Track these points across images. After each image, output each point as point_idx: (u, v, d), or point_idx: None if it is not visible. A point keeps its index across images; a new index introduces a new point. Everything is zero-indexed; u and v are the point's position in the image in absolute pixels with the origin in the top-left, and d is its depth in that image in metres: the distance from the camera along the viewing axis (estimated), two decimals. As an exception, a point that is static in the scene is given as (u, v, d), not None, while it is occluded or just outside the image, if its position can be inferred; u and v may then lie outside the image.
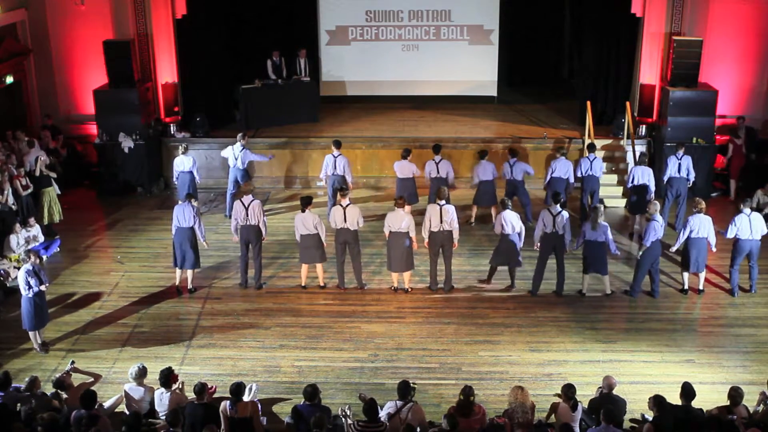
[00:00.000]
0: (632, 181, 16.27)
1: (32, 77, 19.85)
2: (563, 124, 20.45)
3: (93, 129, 19.29)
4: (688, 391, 9.78)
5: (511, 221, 13.78)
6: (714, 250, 13.94)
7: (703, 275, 14.12)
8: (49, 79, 19.88)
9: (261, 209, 14.09)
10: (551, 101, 22.58)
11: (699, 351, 12.37)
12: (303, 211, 13.84)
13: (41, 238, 15.48)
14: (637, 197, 16.17)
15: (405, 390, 9.79)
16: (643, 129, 19.13)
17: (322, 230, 13.96)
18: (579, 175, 16.63)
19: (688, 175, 16.40)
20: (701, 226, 13.66)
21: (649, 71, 19.10)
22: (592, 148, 16.80)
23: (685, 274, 14.11)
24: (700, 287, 14.14)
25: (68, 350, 12.39)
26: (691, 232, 13.69)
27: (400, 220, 13.75)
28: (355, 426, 9.47)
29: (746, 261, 14.00)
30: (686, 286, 14.16)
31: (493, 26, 22.12)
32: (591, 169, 16.51)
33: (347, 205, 13.90)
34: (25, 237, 14.96)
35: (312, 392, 9.78)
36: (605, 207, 15.16)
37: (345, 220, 13.88)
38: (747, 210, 13.70)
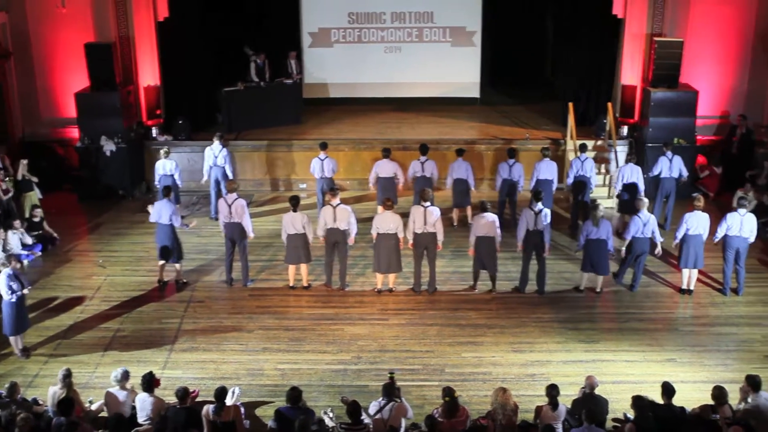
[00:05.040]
0: (622, 180, 16.36)
1: (13, 80, 19.69)
2: (545, 125, 20.52)
3: (74, 132, 19.18)
4: (668, 390, 9.87)
5: (486, 223, 13.79)
6: (715, 243, 14.02)
7: (695, 275, 14.17)
8: (30, 83, 19.74)
9: (245, 208, 14.10)
10: (534, 102, 22.66)
11: (680, 350, 12.43)
12: (294, 210, 13.84)
13: (29, 240, 15.48)
14: (627, 196, 16.22)
15: (389, 389, 9.84)
16: (624, 130, 19.21)
17: (309, 231, 13.97)
18: (572, 176, 16.66)
19: (679, 174, 16.50)
20: (698, 223, 13.74)
21: (631, 72, 19.21)
22: (583, 148, 16.83)
23: (684, 272, 14.14)
24: (691, 287, 14.19)
25: (50, 355, 12.32)
26: (688, 229, 13.76)
27: (388, 221, 13.77)
28: (338, 428, 9.48)
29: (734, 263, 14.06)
30: (684, 286, 14.20)
31: (475, 28, 22.18)
32: (582, 170, 16.55)
33: (337, 205, 13.92)
34: (13, 241, 14.93)
35: (295, 396, 9.79)
36: (604, 207, 15.26)
37: (335, 220, 13.89)
38: (742, 210, 13.75)
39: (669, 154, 16.50)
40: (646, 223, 13.71)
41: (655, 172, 16.56)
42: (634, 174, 16.28)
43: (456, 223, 17.00)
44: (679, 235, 13.90)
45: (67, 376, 10.23)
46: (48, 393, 10.32)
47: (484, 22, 22.21)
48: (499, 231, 13.84)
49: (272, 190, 19.42)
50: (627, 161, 16.64)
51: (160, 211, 14.20)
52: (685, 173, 16.65)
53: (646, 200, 14.05)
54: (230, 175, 17.11)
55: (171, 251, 14.36)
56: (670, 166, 16.46)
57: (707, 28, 19.09)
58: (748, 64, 19.56)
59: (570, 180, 16.70)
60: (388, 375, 10.32)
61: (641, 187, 16.20)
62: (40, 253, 15.77)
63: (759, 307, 13.77)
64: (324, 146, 16.88)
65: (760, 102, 19.76)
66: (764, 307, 13.77)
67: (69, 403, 9.62)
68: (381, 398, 9.89)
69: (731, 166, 18.68)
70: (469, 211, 16.68)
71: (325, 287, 14.43)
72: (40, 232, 16.07)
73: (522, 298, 14.13)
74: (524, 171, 16.98)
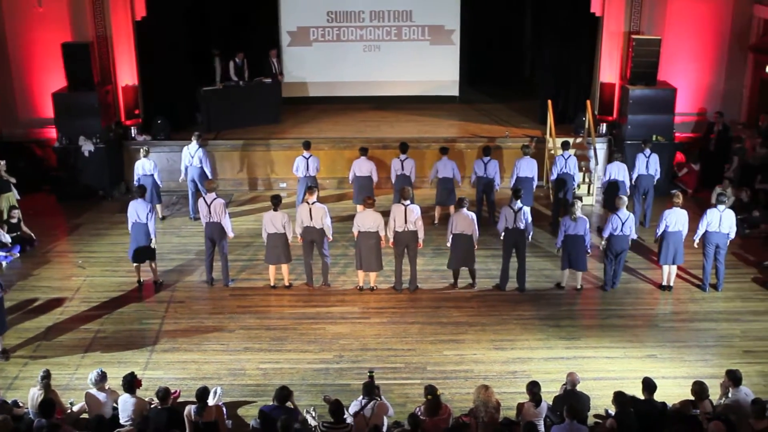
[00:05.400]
0: (608, 177, 16.45)
1: (-11, 80, 19.58)
2: (524, 122, 20.57)
3: (52, 133, 19.04)
4: (649, 385, 9.92)
5: (463, 221, 13.81)
6: (696, 240, 14.11)
7: (674, 271, 14.27)
8: (6, 83, 19.55)
9: (223, 208, 14.06)
10: (513, 100, 22.70)
11: (661, 346, 12.51)
12: (274, 209, 13.82)
13: (7, 240, 15.37)
14: (611, 193, 16.27)
15: (370, 388, 9.86)
16: (603, 127, 19.29)
17: (289, 230, 13.96)
18: (555, 173, 16.73)
19: (655, 172, 16.59)
20: (677, 219, 13.84)
21: (609, 70, 19.25)
22: (566, 145, 16.90)
23: (665, 269, 14.23)
24: (671, 283, 14.29)
25: (30, 357, 12.23)
26: (667, 226, 13.86)
27: (369, 219, 13.78)
28: (320, 427, 9.48)
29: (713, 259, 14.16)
30: (665, 282, 14.29)
31: (454, 26, 22.19)
32: (566, 167, 16.61)
33: (313, 203, 13.91)
34: None
35: (284, 396, 9.79)
36: (582, 204, 15.34)
37: (311, 219, 13.88)
38: (721, 207, 13.87)
39: (647, 152, 16.57)
40: (624, 221, 13.78)
41: (636, 172, 16.60)
42: (620, 172, 16.36)
43: (437, 220, 17.04)
44: (659, 231, 13.98)
45: (45, 377, 10.17)
46: (28, 395, 10.26)
47: (463, 20, 22.23)
48: (476, 228, 13.87)
49: (251, 190, 19.37)
50: (614, 159, 16.70)
51: (136, 210, 14.11)
52: (658, 175, 16.71)
53: (625, 199, 14.12)
54: (209, 175, 17.03)
55: (147, 251, 14.24)
56: (647, 164, 16.53)
57: (684, 26, 19.23)
58: (724, 62, 19.73)
59: (553, 177, 16.76)
60: (368, 374, 10.32)
61: (626, 184, 16.31)
62: (18, 255, 15.65)
63: (738, 303, 13.89)
64: (307, 145, 16.90)
65: (737, 99, 19.97)
66: (743, 303, 13.90)
67: (50, 404, 9.57)
68: (361, 397, 9.90)
69: (709, 163, 18.82)
70: (452, 210, 16.70)
71: (306, 286, 14.42)
72: (18, 233, 15.95)
73: (503, 295, 14.17)
74: (504, 169, 17.01)
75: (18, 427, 9.65)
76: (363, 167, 16.68)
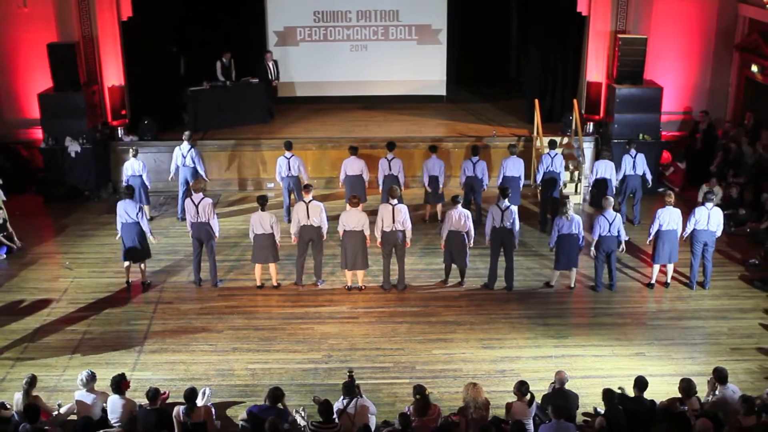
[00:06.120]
0: (595, 175, 16.50)
1: (-26, 82, 19.46)
2: (511, 122, 20.59)
3: (38, 133, 18.95)
4: (640, 383, 9.96)
5: (458, 218, 13.82)
6: (684, 237, 14.14)
7: (671, 268, 14.31)
8: (-9, 84, 19.52)
9: (211, 208, 14.02)
10: (500, 100, 22.74)
11: (649, 344, 12.55)
12: (262, 209, 13.80)
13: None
14: (599, 191, 16.32)
15: (350, 388, 9.88)
16: (590, 126, 19.34)
17: (277, 230, 13.93)
18: (541, 172, 16.77)
19: (644, 173, 16.62)
20: (670, 218, 13.89)
21: (596, 69, 19.29)
22: (553, 144, 16.94)
23: (655, 267, 14.27)
24: (668, 280, 14.35)
25: (17, 359, 12.17)
26: (660, 225, 13.90)
27: (354, 218, 13.77)
28: (309, 427, 9.47)
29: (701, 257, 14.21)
30: (653, 280, 14.33)
31: (441, 26, 22.18)
32: (552, 165, 16.64)
33: (309, 201, 13.90)
34: None
35: (276, 396, 9.80)
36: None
37: (308, 217, 13.87)
38: (709, 204, 13.93)
39: (633, 152, 16.61)
40: (612, 222, 13.80)
41: (622, 173, 16.63)
42: (607, 170, 16.42)
43: (427, 218, 17.08)
44: (653, 231, 14.02)
45: (27, 383, 10.13)
46: (14, 398, 10.22)
47: (450, 19, 22.21)
48: (471, 226, 13.88)
49: (240, 190, 19.32)
50: (603, 157, 16.75)
51: (125, 211, 14.05)
52: (649, 175, 16.75)
53: (611, 199, 14.15)
54: (203, 174, 16.97)
55: (139, 251, 14.20)
56: (634, 164, 16.57)
57: (670, 25, 19.31)
58: (710, 61, 19.83)
59: (540, 176, 16.79)
60: (348, 373, 10.31)
61: (613, 183, 16.35)
62: (4, 256, 15.58)
63: (725, 301, 13.96)
64: (289, 146, 16.85)
65: (723, 98, 20.06)
66: (730, 301, 13.96)
67: (35, 409, 9.53)
68: (342, 397, 9.91)
69: (695, 162, 18.89)
70: (439, 208, 16.73)
71: (295, 286, 14.40)
72: (4, 234, 15.85)
73: (491, 294, 14.19)
74: (491, 168, 17.04)
75: (5, 430, 9.60)
76: (354, 166, 16.67)
